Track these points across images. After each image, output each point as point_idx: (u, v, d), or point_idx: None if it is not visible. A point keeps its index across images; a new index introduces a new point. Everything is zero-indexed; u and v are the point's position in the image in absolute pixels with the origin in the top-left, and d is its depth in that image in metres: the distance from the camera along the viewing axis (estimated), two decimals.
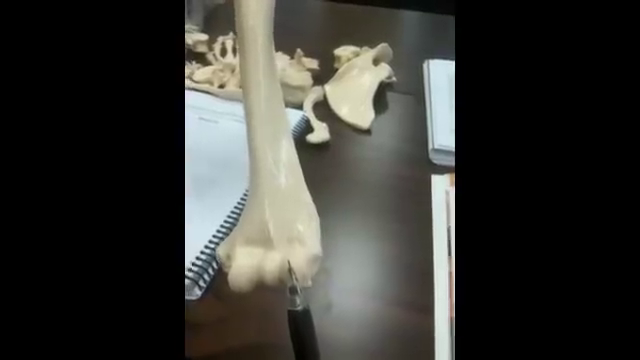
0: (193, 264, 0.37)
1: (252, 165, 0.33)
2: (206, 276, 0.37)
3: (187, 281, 0.36)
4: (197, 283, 0.36)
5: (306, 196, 0.33)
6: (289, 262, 0.30)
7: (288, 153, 0.34)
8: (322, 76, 0.63)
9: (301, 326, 0.29)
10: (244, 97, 0.34)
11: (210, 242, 0.39)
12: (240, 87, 0.57)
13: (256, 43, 0.34)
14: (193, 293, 0.36)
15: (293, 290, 0.29)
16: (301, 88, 0.58)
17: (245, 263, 0.30)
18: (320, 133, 0.53)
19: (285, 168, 0.33)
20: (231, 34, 0.66)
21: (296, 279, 0.29)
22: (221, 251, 0.33)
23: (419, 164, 0.52)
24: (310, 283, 0.31)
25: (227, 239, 0.33)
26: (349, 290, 0.38)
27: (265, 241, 0.30)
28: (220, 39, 0.67)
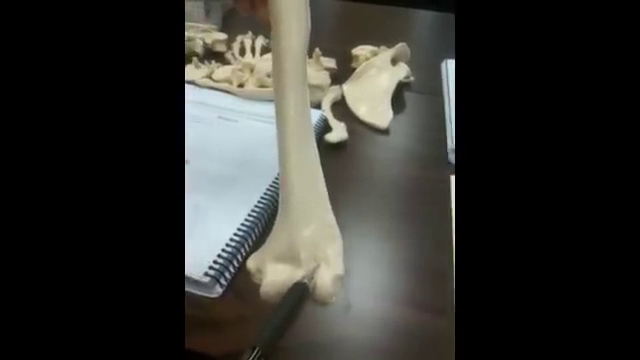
0: (214, 262, 0.37)
1: (283, 191, 0.35)
2: (227, 274, 0.37)
3: (208, 279, 0.36)
4: (218, 281, 0.36)
5: (331, 218, 0.36)
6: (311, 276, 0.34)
7: (317, 177, 0.36)
8: (340, 75, 0.63)
9: (299, 297, 0.33)
10: (278, 125, 0.36)
11: (231, 240, 0.39)
12: (259, 86, 0.58)
13: (294, 64, 0.34)
14: (214, 291, 0.37)
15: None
16: (319, 87, 0.59)
17: (275, 279, 0.34)
18: (338, 132, 0.54)
19: (314, 192, 0.36)
20: (250, 33, 0.67)
21: (312, 283, 0.33)
22: (252, 264, 0.36)
23: (437, 164, 0.52)
24: (334, 299, 0.34)
25: (257, 253, 0.36)
26: (367, 291, 0.39)
27: (294, 260, 0.34)
28: (239, 38, 0.67)
